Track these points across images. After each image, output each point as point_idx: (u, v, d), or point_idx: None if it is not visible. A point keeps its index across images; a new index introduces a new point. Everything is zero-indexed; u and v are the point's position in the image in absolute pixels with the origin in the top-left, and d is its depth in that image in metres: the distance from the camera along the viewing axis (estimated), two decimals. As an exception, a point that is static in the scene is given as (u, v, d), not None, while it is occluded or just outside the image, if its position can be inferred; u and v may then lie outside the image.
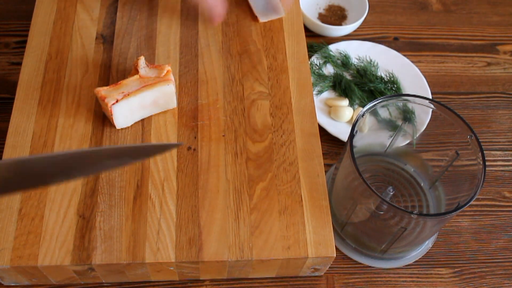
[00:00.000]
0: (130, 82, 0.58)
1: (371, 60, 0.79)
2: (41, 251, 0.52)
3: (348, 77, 0.79)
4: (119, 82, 0.58)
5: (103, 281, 0.58)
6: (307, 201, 0.56)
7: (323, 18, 0.86)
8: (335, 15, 0.86)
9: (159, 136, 0.59)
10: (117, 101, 0.56)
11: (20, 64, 0.65)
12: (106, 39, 0.67)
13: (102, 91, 0.57)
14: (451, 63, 0.84)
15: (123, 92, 0.57)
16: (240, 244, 0.53)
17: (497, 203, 0.70)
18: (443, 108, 0.57)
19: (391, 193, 0.62)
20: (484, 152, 0.54)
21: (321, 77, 0.77)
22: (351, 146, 0.53)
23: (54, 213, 0.54)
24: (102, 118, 0.60)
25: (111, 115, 0.57)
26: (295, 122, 0.61)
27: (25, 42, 0.66)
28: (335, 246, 0.54)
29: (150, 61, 0.65)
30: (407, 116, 0.63)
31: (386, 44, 0.81)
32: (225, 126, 0.60)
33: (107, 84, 0.63)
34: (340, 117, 0.73)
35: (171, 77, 0.59)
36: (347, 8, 0.87)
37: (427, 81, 0.77)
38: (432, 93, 0.77)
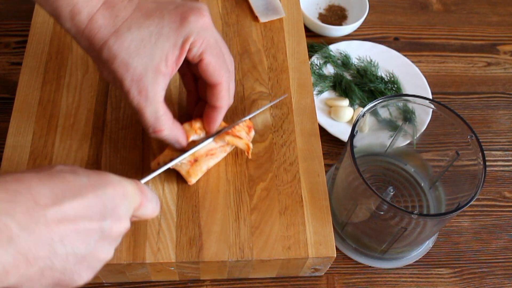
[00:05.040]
0: (213, 150, 0.55)
1: (371, 60, 0.79)
2: (41, 251, 0.52)
3: (349, 77, 0.79)
4: (196, 157, 0.54)
5: (103, 281, 0.58)
6: (308, 201, 0.56)
7: (323, 18, 0.86)
8: (335, 15, 0.86)
9: (159, 136, 0.59)
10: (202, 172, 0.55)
11: (20, 64, 0.65)
12: (106, 39, 0.66)
13: (191, 176, 0.54)
14: (451, 63, 0.84)
15: (208, 167, 0.55)
16: (240, 244, 0.53)
17: (497, 203, 0.69)
18: (443, 108, 0.57)
19: (392, 193, 0.62)
20: (485, 152, 0.54)
21: (321, 77, 0.77)
22: (352, 146, 0.53)
23: (54, 213, 0.54)
24: (102, 118, 0.60)
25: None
26: (295, 122, 0.61)
27: (25, 42, 0.66)
28: (336, 246, 0.54)
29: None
30: (408, 116, 0.63)
31: (386, 44, 0.81)
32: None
33: (107, 85, 0.62)
34: (341, 117, 0.73)
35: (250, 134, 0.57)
36: (347, 8, 0.87)
37: (427, 81, 0.77)
38: (432, 93, 0.77)
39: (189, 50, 0.47)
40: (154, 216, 0.44)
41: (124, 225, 0.39)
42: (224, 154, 0.56)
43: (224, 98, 0.51)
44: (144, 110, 0.47)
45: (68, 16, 0.45)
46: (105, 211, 0.37)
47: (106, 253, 0.39)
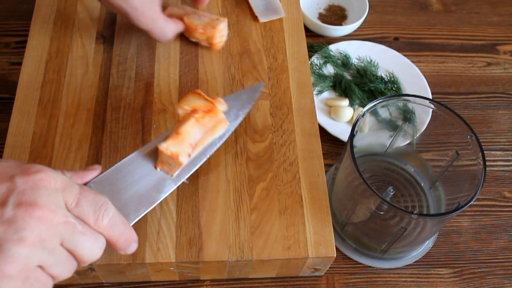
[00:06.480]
0: (190, 129, 0.52)
1: (371, 60, 0.79)
2: (41, 251, 0.52)
3: (348, 77, 0.79)
4: (178, 131, 0.51)
5: (103, 281, 0.58)
6: (308, 201, 0.56)
7: (323, 18, 0.86)
8: (335, 15, 0.86)
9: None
10: (189, 156, 0.52)
11: (20, 64, 0.65)
12: (106, 39, 0.66)
13: (170, 147, 0.50)
14: (451, 63, 0.84)
15: (190, 144, 0.52)
16: (240, 244, 0.53)
17: (497, 203, 0.69)
18: (443, 108, 0.57)
19: (391, 193, 0.62)
20: (485, 152, 0.54)
21: (321, 77, 0.77)
22: (351, 146, 0.53)
23: (54, 213, 0.54)
24: (102, 118, 0.60)
25: (179, 167, 0.52)
26: (295, 122, 0.61)
27: (25, 42, 0.66)
28: (335, 246, 0.54)
29: (150, 61, 0.65)
30: (407, 116, 0.63)
31: (386, 44, 0.81)
32: (225, 126, 0.60)
33: (107, 85, 0.63)
34: (340, 117, 0.73)
35: (222, 111, 0.55)
36: (347, 8, 0.87)
37: (427, 81, 0.77)
38: (432, 93, 0.77)
39: None
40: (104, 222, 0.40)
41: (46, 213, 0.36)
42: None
43: None
44: (153, 29, 0.60)
45: None
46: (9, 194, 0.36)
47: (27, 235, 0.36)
